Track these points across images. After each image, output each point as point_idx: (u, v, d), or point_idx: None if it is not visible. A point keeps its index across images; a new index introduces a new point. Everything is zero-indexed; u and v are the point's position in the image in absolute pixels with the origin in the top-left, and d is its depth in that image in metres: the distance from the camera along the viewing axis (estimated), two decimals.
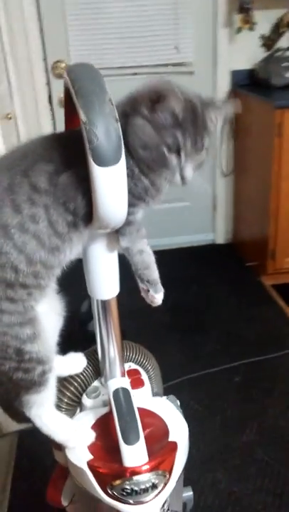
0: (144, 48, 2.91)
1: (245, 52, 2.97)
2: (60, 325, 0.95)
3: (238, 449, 1.82)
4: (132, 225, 0.81)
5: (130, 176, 0.74)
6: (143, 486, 0.82)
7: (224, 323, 2.55)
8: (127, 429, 0.84)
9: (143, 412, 0.93)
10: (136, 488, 0.82)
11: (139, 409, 0.89)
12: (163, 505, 0.86)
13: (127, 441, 0.82)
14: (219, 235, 3.42)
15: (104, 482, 0.83)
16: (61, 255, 0.77)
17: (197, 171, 0.80)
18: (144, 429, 0.85)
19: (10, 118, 2.34)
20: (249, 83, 2.98)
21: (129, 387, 0.94)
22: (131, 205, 0.75)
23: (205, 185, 0.83)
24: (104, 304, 0.92)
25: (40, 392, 0.85)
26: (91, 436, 0.91)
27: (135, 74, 2.91)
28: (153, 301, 0.90)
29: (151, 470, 0.83)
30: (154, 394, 1.07)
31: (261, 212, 2.79)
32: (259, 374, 2.16)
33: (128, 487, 0.82)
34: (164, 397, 1.03)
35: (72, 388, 1.00)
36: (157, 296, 0.90)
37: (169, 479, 0.85)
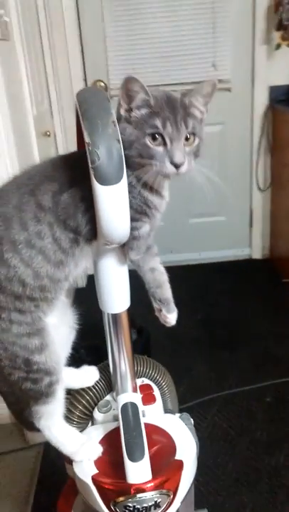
0: (181, 65, 2.94)
1: (283, 68, 2.95)
2: (72, 337, 0.97)
3: (266, 472, 1.76)
4: (138, 240, 0.82)
5: (129, 190, 0.74)
6: (145, 505, 0.82)
7: (257, 340, 2.50)
8: (132, 445, 0.84)
9: (152, 428, 0.93)
10: (138, 507, 0.81)
11: (147, 425, 0.89)
12: None
13: (132, 458, 0.83)
14: (256, 250, 3.37)
15: (107, 498, 0.84)
16: (66, 269, 0.79)
17: (193, 159, 0.78)
18: (151, 446, 0.85)
19: (48, 135, 2.42)
20: (287, 98, 2.95)
21: (139, 402, 0.94)
22: (133, 219, 0.76)
23: (215, 179, 0.80)
24: (115, 317, 0.93)
25: (48, 403, 0.87)
26: (98, 450, 0.91)
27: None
28: (166, 320, 0.90)
29: (154, 488, 0.82)
30: (168, 411, 1.06)
31: None
32: None
33: (131, 505, 0.82)
34: (177, 415, 1.02)
35: (84, 401, 1.01)
36: (170, 316, 0.90)
37: (173, 499, 0.85)
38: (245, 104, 3.06)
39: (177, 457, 0.88)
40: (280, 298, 2.88)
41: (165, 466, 0.86)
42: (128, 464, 0.82)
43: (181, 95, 0.77)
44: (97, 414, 1.00)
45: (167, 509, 0.84)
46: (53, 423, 0.91)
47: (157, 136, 0.74)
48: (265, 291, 2.96)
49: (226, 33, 2.92)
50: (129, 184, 0.75)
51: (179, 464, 0.87)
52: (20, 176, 0.82)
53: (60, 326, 0.91)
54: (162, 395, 1.06)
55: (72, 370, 1.02)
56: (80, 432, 0.98)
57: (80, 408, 1.01)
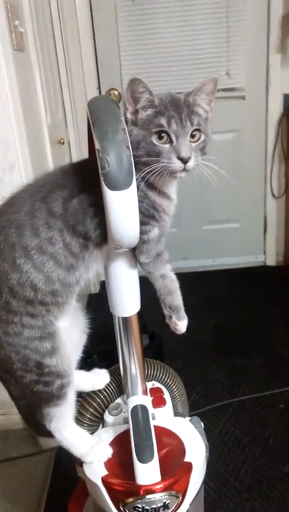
0: (195, 74, 2.96)
1: None
2: (84, 341, 0.99)
3: (279, 479, 1.75)
4: (148, 243, 0.83)
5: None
6: (154, 506, 0.82)
7: (271, 347, 2.49)
8: (141, 446, 0.85)
9: (162, 431, 0.94)
10: (147, 508, 0.82)
11: (157, 428, 0.90)
12: None
13: (141, 459, 0.84)
14: (270, 256, 3.36)
15: (117, 499, 0.85)
16: (76, 273, 0.81)
17: (200, 155, 0.79)
18: (160, 448, 0.86)
19: (63, 143, 2.46)
20: None
21: (149, 405, 0.95)
22: (142, 223, 0.78)
23: (225, 175, 0.81)
24: (126, 320, 0.95)
25: (59, 405, 0.89)
26: (108, 452, 0.93)
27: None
28: (176, 328, 0.91)
29: (163, 490, 0.83)
30: (178, 414, 1.07)
31: None
32: None
33: (140, 505, 0.83)
34: (187, 418, 1.03)
35: (94, 404, 1.03)
36: (180, 324, 0.91)
37: (182, 501, 0.85)
38: (260, 111, 3.07)
39: (186, 459, 0.89)
40: None
41: (174, 467, 0.87)
42: (137, 466, 0.83)
43: (184, 95, 0.80)
44: (108, 417, 1.02)
45: (176, 511, 0.84)
46: (63, 425, 0.92)
47: (163, 134, 0.76)
48: (279, 298, 2.95)
49: (240, 41, 2.94)
50: (137, 188, 0.76)
51: (188, 466, 0.88)
52: (32, 184, 0.85)
53: (72, 330, 0.93)
54: (172, 398, 1.07)
55: (83, 373, 1.03)
56: (91, 434, 1.00)
57: (91, 411, 1.02)
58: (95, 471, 0.89)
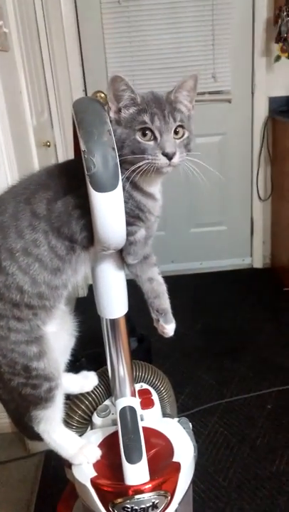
0: (181, 77, 2.93)
1: (283, 79, 2.99)
2: (72, 344, 0.99)
3: (267, 479, 1.76)
4: (134, 245, 0.83)
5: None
6: (143, 506, 0.83)
7: (259, 348, 2.50)
8: (130, 447, 0.85)
9: (150, 431, 0.94)
10: (136, 508, 0.82)
11: (146, 428, 0.91)
12: None
13: (130, 460, 0.84)
14: (257, 259, 3.39)
15: (106, 500, 0.85)
16: (63, 276, 0.81)
17: (185, 151, 0.80)
18: (149, 449, 0.87)
19: (48, 146, 2.45)
20: (287, 109, 2.98)
21: (137, 406, 0.95)
22: (128, 224, 0.78)
23: (212, 170, 0.83)
24: (114, 323, 0.95)
25: (47, 408, 0.88)
26: (97, 453, 0.92)
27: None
28: (163, 331, 0.91)
29: (152, 490, 0.83)
30: (166, 415, 1.07)
31: None
32: None
33: (129, 506, 0.83)
34: (175, 419, 1.03)
35: (83, 406, 1.03)
36: (167, 327, 0.90)
37: (171, 500, 0.86)
38: (246, 115, 3.10)
39: (175, 459, 0.89)
40: (281, 307, 2.88)
41: (163, 467, 0.87)
42: (126, 466, 0.83)
43: (166, 93, 0.80)
44: (96, 419, 1.02)
45: (165, 510, 0.85)
46: (52, 427, 0.92)
47: (147, 131, 0.76)
48: (266, 300, 2.97)
49: (226, 44, 2.96)
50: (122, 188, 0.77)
51: (177, 466, 0.88)
52: (16, 185, 0.84)
53: (60, 333, 0.93)
54: (161, 399, 1.08)
55: (71, 375, 1.03)
56: (80, 436, 0.99)
57: (79, 413, 1.02)
58: (84, 472, 0.89)
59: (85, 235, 0.78)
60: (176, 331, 0.93)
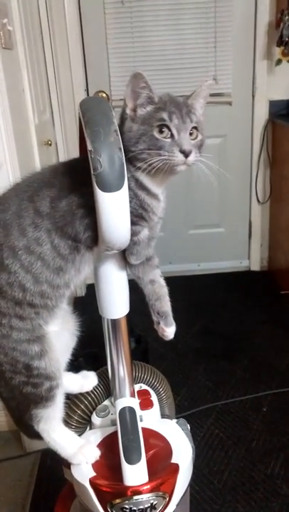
0: (182, 79, 2.98)
1: (283, 83, 3.00)
2: (74, 344, 0.99)
3: (262, 481, 1.76)
4: (138, 245, 0.83)
5: None
6: (142, 507, 0.83)
7: (255, 351, 2.51)
8: (129, 448, 0.85)
9: (149, 432, 0.94)
10: (134, 508, 0.83)
11: (145, 429, 0.91)
12: None
13: (129, 460, 0.84)
14: (254, 261, 3.39)
15: (104, 500, 0.85)
16: (66, 276, 0.81)
17: (198, 152, 0.81)
18: (147, 450, 0.87)
19: (50, 144, 2.45)
20: (287, 113, 3.00)
21: (137, 407, 0.96)
22: (131, 223, 0.78)
23: (217, 168, 0.84)
24: (115, 323, 0.95)
25: (47, 407, 0.88)
26: (96, 453, 0.92)
27: None
28: (164, 334, 0.91)
29: (151, 491, 0.84)
30: (165, 416, 1.07)
31: None
32: (288, 405, 2.11)
33: (127, 506, 0.83)
34: (174, 420, 1.03)
35: (82, 406, 1.03)
36: (168, 330, 0.90)
37: (169, 501, 0.86)
38: (246, 117, 3.11)
39: (173, 460, 0.90)
40: (278, 309, 2.89)
41: (161, 469, 0.87)
42: (125, 467, 0.83)
43: (184, 97, 0.82)
44: (96, 419, 1.01)
45: (163, 511, 0.85)
46: (51, 427, 0.92)
47: (164, 128, 0.77)
48: (263, 303, 2.98)
49: (228, 47, 2.97)
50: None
51: (175, 467, 0.88)
52: (20, 183, 0.84)
53: (62, 333, 0.93)
54: (160, 400, 1.08)
55: (71, 375, 1.03)
56: (79, 435, 0.99)
57: (79, 413, 1.02)
58: (83, 472, 0.89)
59: (88, 234, 0.78)
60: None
